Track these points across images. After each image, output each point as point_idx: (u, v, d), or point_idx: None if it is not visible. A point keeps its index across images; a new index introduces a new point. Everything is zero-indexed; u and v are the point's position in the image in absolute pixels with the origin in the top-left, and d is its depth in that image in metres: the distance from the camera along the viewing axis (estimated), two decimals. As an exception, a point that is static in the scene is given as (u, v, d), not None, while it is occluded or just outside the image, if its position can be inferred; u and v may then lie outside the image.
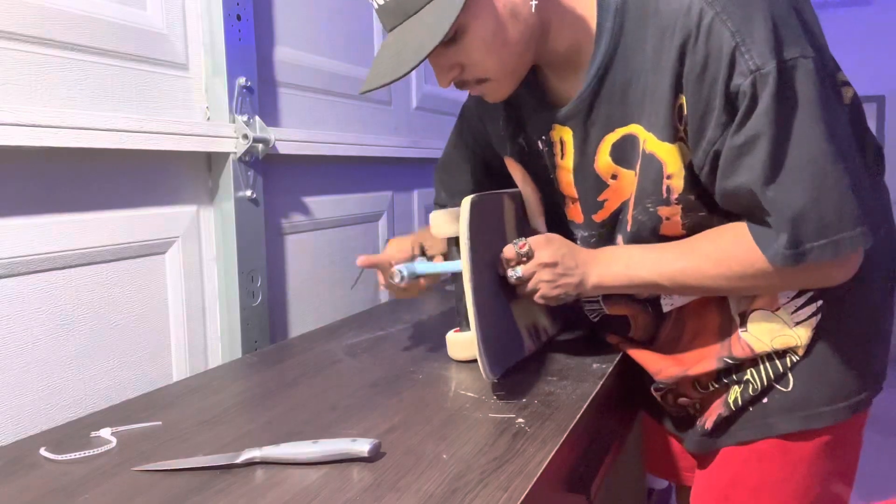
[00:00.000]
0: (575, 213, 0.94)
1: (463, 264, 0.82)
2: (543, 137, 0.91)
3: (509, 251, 0.87)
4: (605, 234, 0.92)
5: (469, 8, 0.73)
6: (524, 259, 0.86)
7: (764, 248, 0.74)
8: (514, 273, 0.86)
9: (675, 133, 0.77)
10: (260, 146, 1.10)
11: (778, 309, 0.83)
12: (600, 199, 0.89)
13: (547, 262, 0.85)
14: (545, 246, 0.85)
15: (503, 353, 0.90)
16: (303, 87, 1.30)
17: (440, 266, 0.97)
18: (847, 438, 0.87)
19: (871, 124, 3.98)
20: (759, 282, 0.77)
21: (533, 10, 0.77)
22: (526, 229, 1.01)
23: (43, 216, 0.84)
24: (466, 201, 0.85)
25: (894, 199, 0.92)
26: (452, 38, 0.76)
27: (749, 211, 0.75)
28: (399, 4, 0.74)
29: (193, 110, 1.05)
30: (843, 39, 3.83)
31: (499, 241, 0.90)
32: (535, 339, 1.00)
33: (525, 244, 0.85)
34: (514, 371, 0.92)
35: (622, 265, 0.84)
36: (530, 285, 0.86)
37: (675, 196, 0.81)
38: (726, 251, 0.78)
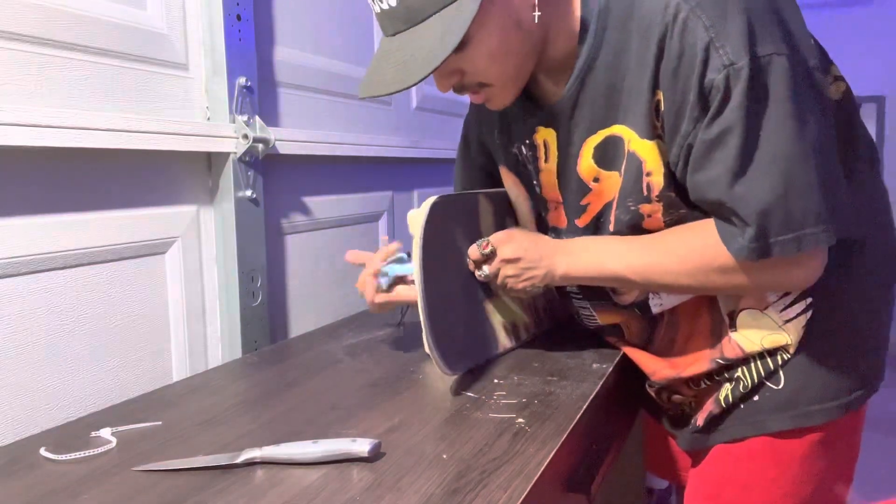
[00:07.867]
0: (558, 217, 0.94)
1: (414, 261, 0.84)
2: (527, 141, 0.92)
3: (473, 252, 0.90)
4: None
5: (476, 18, 0.73)
6: (490, 258, 0.89)
7: (728, 243, 0.75)
8: (481, 272, 0.90)
9: (654, 130, 0.78)
10: (260, 146, 1.10)
11: (766, 308, 0.83)
12: (583, 202, 0.89)
13: (509, 258, 0.88)
14: (507, 242, 0.88)
15: (466, 350, 0.91)
16: (303, 87, 1.30)
17: (407, 267, 0.97)
18: (842, 438, 0.87)
19: (871, 124, 3.98)
20: (722, 279, 0.78)
21: (536, 21, 0.77)
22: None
23: (43, 216, 0.84)
24: (429, 201, 0.86)
25: (894, 200, 0.91)
26: (458, 46, 0.76)
27: (718, 206, 0.76)
28: (407, 10, 0.74)
29: (193, 110, 1.05)
30: (844, 39, 3.82)
31: (472, 240, 0.92)
32: (514, 338, 1.01)
33: (488, 244, 0.89)
34: (514, 371, 0.92)
35: (591, 255, 0.86)
36: (497, 281, 0.90)
37: (655, 193, 0.81)
38: (691, 246, 0.79)
